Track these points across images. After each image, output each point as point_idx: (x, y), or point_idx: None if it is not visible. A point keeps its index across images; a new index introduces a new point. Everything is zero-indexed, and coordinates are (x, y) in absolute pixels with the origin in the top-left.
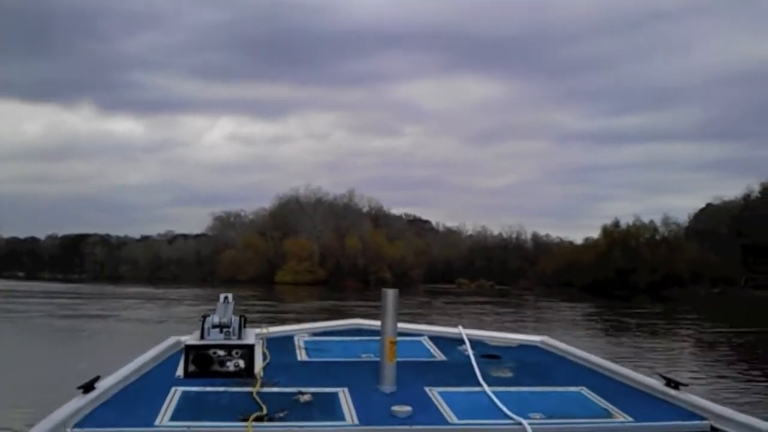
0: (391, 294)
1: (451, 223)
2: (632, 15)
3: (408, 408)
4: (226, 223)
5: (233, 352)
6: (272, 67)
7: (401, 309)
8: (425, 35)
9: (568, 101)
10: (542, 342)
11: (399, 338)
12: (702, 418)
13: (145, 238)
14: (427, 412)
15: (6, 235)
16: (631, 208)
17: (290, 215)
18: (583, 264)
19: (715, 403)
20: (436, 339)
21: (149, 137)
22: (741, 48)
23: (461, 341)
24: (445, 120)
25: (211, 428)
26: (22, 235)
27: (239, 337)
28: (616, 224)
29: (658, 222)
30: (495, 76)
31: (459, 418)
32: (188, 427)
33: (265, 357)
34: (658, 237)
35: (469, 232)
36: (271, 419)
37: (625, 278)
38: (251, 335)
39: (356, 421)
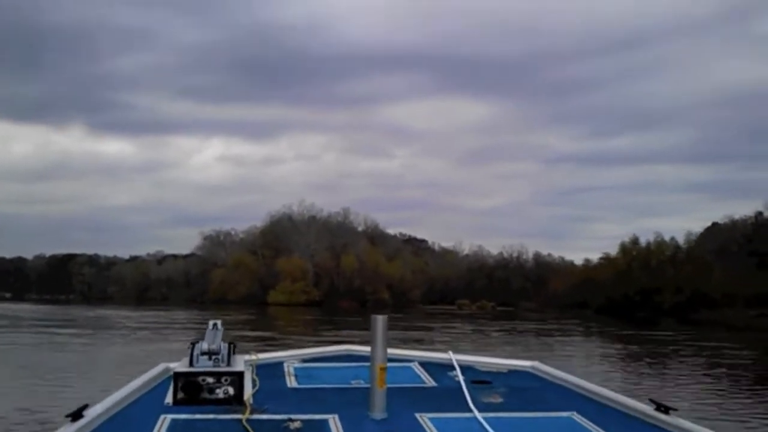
0: (380, 320)
1: (447, 243)
2: (621, 37)
3: None
4: (215, 242)
5: (222, 379)
6: (263, 89)
7: (401, 334)
8: (416, 57)
9: (556, 122)
10: (533, 367)
11: (389, 364)
12: None
13: (134, 258)
14: None
15: None
16: (620, 230)
17: (283, 233)
18: (598, 283)
19: (705, 427)
20: (426, 364)
21: (139, 158)
22: (730, 70)
23: (451, 367)
24: (435, 141)
25: None
26: (8, 255)
27: (228, 364)
28: (635, 241)
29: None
30: (484, 98)
31: None
32: None
33: (254, 384)
34: (680, 254)
35: (465, 252)
36: None
37: (647, 299)
38: (240, 362)
39: None
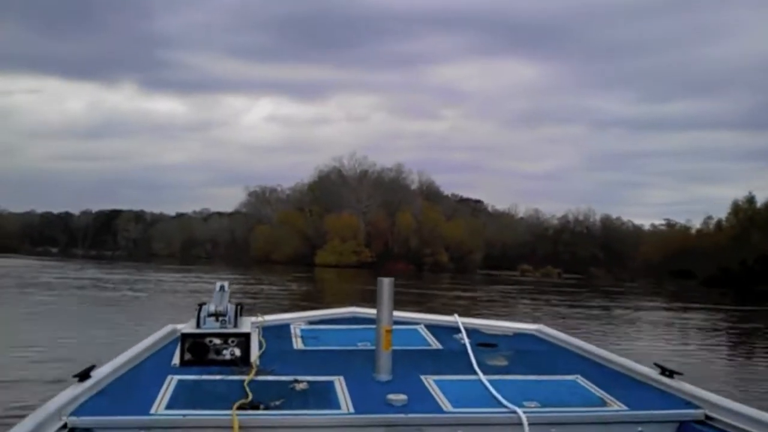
0: (386, 282)
1: (500, 206)
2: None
3: (403, 396)
4: (261, 198)
5: (229, 341)
6: (312, 49)
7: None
8: (465, 17)
9: (608, 86)
10: (538, 330)
11: (395, 327)
12: (696, 407)
13: (180, 216)
14: (422, 400)
15: (40, 210)
16: (671, 196)
17: (332, 188)
18: (706, 250)
19: (709, 391)
20: (432, 327)
21: (189, 117)
22: None
23: (457, 329)
24: (484, 103)
25: (207, 416)
26: (55, 210)
27: (235, 326)
28: (750, 200)
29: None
30: (534, 59)
31: (454, 407)
32: (184, 415)
33: (261, 345)
34: None
35: (520, 215)
36: (266, 407)
37: None
38: (247, 324)
39: (352, 410)
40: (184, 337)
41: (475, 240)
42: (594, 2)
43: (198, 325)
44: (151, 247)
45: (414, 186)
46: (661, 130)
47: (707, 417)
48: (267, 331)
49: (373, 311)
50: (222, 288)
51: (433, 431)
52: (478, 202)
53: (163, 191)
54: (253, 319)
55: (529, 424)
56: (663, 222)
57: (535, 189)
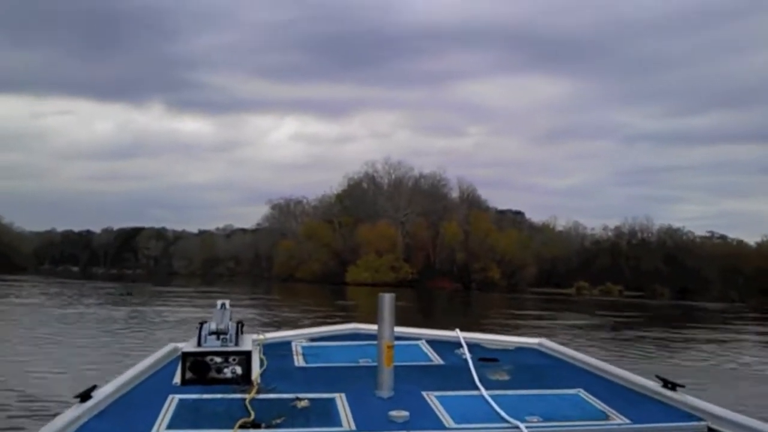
0: (387, 299)
1: (536, 219)
2: (701, 13)
3: (405, 413)
4: (285, 212)
5: (230, 359)
6: (337, 67)
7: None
8: (491, 34)
9: (634, 100)
10: (539, 344)
11: (396, 342)
12: (699, 419)
13: (202, 233)
14: (424, 416)
15: (61, 228)
16: (702, 211)
17: (364, 197)
18: None
19: (712, 404)
20: (433, 343)
21: (215, 136)
22: None
23: (459, 345)
24: (510, 119)
25: None
26: (76, 228)
27: (236, 344)
28: None
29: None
30: (560, 75)
31: (456, 423)
32: None
33: (262, 363)
34: None
35: (559, 229)
36: (268, 426)
37: None
38: (248, 341)
39: (353, 427)
40: (185, 355)
41: (525, 254)
42: (621, 17)
43: (199, 344)
44: (172, 266)
45: (455, 194)
46: (689, 144)
47: (710, 429)
48: (268, 348)
49: (374, 327)
50: (223, 306)
51: None
52: (519, 213)
53: (189, 211)
54: (254, 336)
55: None
56: (706, 235)
57: (562, 204)
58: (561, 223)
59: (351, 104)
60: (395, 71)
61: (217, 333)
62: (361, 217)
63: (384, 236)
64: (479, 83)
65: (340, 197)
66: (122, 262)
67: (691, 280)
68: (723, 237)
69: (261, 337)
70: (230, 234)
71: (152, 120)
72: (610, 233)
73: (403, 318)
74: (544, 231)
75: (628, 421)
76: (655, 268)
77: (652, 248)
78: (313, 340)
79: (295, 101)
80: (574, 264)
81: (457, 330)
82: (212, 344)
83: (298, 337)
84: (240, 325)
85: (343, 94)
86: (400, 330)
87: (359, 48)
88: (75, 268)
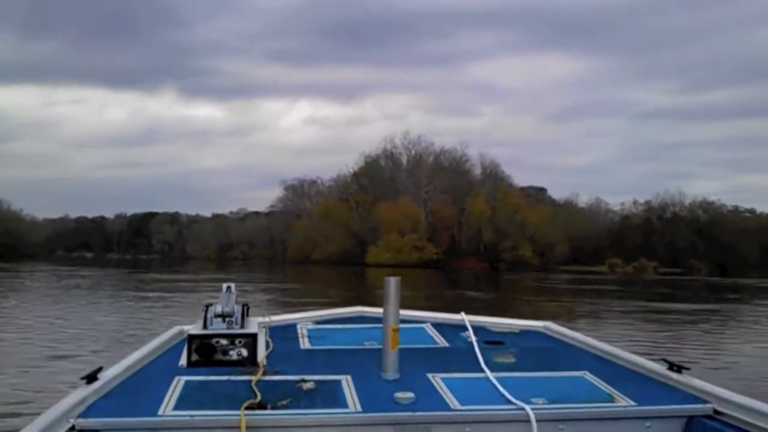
0: (393, 282)
1: (558, 196)
2: None
3: (410, 395)
4: (299, 192)
5: (236, 341)
6: (348, 50)
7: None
8: (502, 13)
9: (647, 77)
10: (545, 327)
11: (402, 325)
12: (705, 402)
13: (216, 217)
14: (429, 398)
15: (74, 214)
16: (716, 186)
17: (382, 174)
18: None
19: (718, 386)
20: (438, 326)
21: (228, 122)
22: None
23: (464, 327)
24: (523, 99)
25: (215, 417)
26: (90, 215)
27: (242, 326)
28: None
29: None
30: (574, 53)
31: (462, 404)
32: (191, 416)
33: (267, 345)
34: None
35: (582, 205)
36: (274, 407)
37: None
38: (254, 324)
39: (359, 409)
40: (191, 338)
41: (556, 231)
42: None
43: (205, 326)
44: (186, 250)
45: (476, 171)
46: (704, 119)
47: (716, 411)
48: (274, 331)
49: (380, 310)
50: (228, 289)
51: (440, 429)
52: (542, 189)
53: (202, 196)
54: (260, 319)
55: (537, 421)
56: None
57: (577, 183)
58: (583, 200)
59: (363, 87)
60: (407, 53)
61: (223, 315)
62: (379, 196)
63: (406, 214)
64: (492, 63)
65: (357, 175)
66: (136, 247)
67: (727, 256)
68: (751, 211)
69: (267, 319)
70: (244, 217)
71: (165, 107)
72: (639, 208)
73: (440, 306)
74: (566, 208)
75: (633, 403)
76: (690, 243)
77: (686, 222)
78: (318, 322)
79: (308, 85)
80: (604, 241)
81: (462, 313)
82: (218, 327)
83: (304, 319)
84: (245, 307)
85: (355, 76)
86: (405, 313)
87: (371, 30)
88: (89, 255)
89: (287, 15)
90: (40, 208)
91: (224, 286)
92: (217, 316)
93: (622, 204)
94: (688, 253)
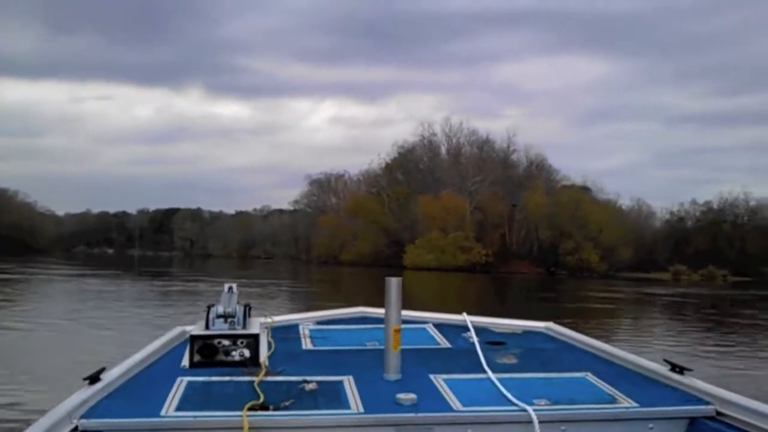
0: (394, 282)
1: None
2: None
3: (413, 396)
4: (325, 188)
5: (238, 342)
6: (374, 50)
7: None
8: (529, 13)
9: (678, 80)
10: (547, 328)
11: (404, 326)
12: (707, 403)
13: (239, 214)
14: (431, 399)
15: (94, 208)
16: (751, 192)
17: (420, 163)
18: None
19: (720, 387)
20: (440, 326)
21: (254, 120)
22: None
23: (466, 328)
24: (549, 101)
25: (217, 418)
26: (112, 210)
27: (244, 327)
28: None
29: None
30: (601, 55)
31: (464, 405)
32: (194, 416)
33: (270, 346)
34: None
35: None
36: (276, 408)
37: None
38: (256, 324)
39: (361, 410)
40: (193, 338)
41: (623, 232)
42: None
43: (207, 327)
44: (208, 247)
45: (522, 165)
46: (735, 124)
47: (718, 413)
48: (276, 331)
49: (382, 311)
50: (230, 289)
51: (442, 430)
52: (586, 188)
53: (227, 194)
54: (262, 319)
55: (540, 422)
56: None
57: (605, 187)
58: (624, 202)
59: (388, 87)
60: (432, 54)
61: (225, 316)
62: (415, 189)
63: (449, 209)
64: (518, 64)
65: (390, 167)
66: (158, 244)
67: None
68: None
69: (269, 320)
70: (267, 215)
71: (192, 104)
72: (699, 210)
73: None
74: (609, 209)
75: (635, 404)
76: (764, 248)
77: (757, 226)
78: (320, 323)
79: (333, 84)
80: (660, 245)
81: (464, 314)
82: (220, 327)
83: (306, 320)
84: (248, 308)
85: (380, 76)
86: (407, 313)
87: (397, 30)
88: (110, 251)
89: (315, 14)
90: (63, 204)
91: (225, 286)
92: (219, 316)
93: (681, 204)
94: (758, 261)
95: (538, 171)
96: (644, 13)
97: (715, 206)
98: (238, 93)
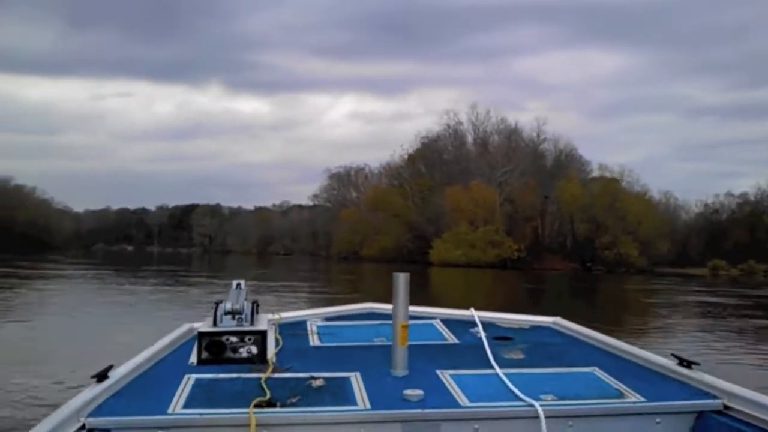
0: (402, 278)
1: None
2: None
3: (420, 392)
4: (345, 181)
5: (246, 339)
6: (393, 44)
7: None
8: (549, 6)
9: (697, 73)
10: (554, 323)
11: (411, 321)
12: (715, 397)
13: (259, 209)
14: (439, 395)
15: (114, 205)
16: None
17: (445, 153)
18: None
19: (728, 381)
20: (448, 322)
21: (273, 116)
22: None
23: (473, 323)
24: (570, 94)
25: (225, 415)
26: (132, 206)
27: (252, 323)
28: None
29: None
30: (622, 48)
31: (471, 401)
32: (201, 414)
33: (277, 343)
34: None
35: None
36: (283, 405)
37: None
38: (264, 321)
39: (368, 406)
40: (201, 335)
41: (661, 226)
42: None
43: (214, 324)
44: (227, 243)
45: (551, 155)
46: (755, 116)
47: (726, 407)
48: (283, 328)
49: (389, 306)
50: (238, 286)
51: (450, 426)
52: (615, 180)
53: (246, 189)
54: (270, 316)
55: (547, 417)
56: None
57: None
58: (652, 195)
59: (407, 81)
60: (452, 47)
61: (233, 313)
62: (440, 181)
63: (479, 201)
64: (538, 58)
65: (413, 158)
66: (177, 240)
67: None
68: None
69: (276, 316)
70: (287, 210)
71: (211, 100)
72: (735, 202)
73: None
74: (646, 201)
75: (643, 399)
76: None
77: None
78: (328, 319)
79: (352, 79)
80: (701, 238)
81: (472, 309)
82: (228, 324)
83: (314, 316)
84: (255, 304)
85: (399, 71)
86: (414, 309)
87: (416, 24)
88: (130, 248)
89: (333, 8)
90: (83, 201)
91: (233, 282)
92: (226, 313)
93: (716, 196)
94: None
95: (568, 162)
96: (662, 4)
97: (752, 198)
98: (257, 89)
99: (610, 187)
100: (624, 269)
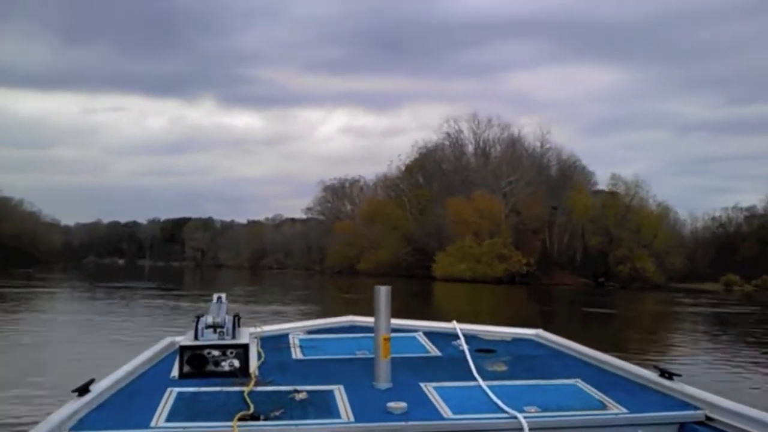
0: (383, 291)
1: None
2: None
3: (403, 404)
4: (339, 194)
5: (228, 352)
6: (385, 60)
7: None
8: (541, 23)
9: (689, 89)
10: (536, 335)
11: (393, 334)
12: (696, 408)
13: (251, 223)
14: (422, 407)
15: (106, 220)
16: (755, 201)
17: (444, 163)
18: None
19: (709, 392)
20: (430, 334)
21: (265, 131)
22: None
23: (456, 336)
24: (560, 110)
25: (207, 428)
26: (123, 220)
27: (233, 337)
28: None
29: None
30: (614, 64)
31: (454, 413)
32: (184, 428)
33: (260, 356)
34: None
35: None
36: (266, 418)
37: None
38: (245, 334)
39: (352, 419)
40: (183, 349)
41: (670, 240)
42: (677, 4)
43: (196, 337)
44: (219, 258)
45: (554, 166)
46: (746, 132)
47: (708, 418)
48: (265, 341)
49: (371, 319)
50: (219, 299)
51: None
52: (613, 193)
53: (240, 204)
54: (252, 329)
55: (530, 429)
56: None
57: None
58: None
59: (399, 97)
60: (444, 63)
61: (214, 326)
62: (440, 192)
63: (484, 212)
64: (530, 74)
65: (410, 169)
66: (169, 254)
67: None
68: None
69: (258, 330)
70: (279, 224)
71: (204, 115)
72: (741, 215)
73: None
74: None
75: (625, 410)
76: None
77: None
78: (310, 332)
79: (345, 94)
80: (701, 253)
81: (454, 321)
82: (209, 337)
83: (296, 329)
84: (237, 318)
85: (391, 86)
86: (396, 322)
87: (407, 41)
88: (121, 261)
89: (326, 24)
90: (74, 215)
91: (215, 296)
92: (208, 327)
93: (724, 209)
94: None
95: (572, 172)
96: (653, 21)
97: (761, 211)
98: (250, 103)
99: (621, 200)
100: (637, 285)
